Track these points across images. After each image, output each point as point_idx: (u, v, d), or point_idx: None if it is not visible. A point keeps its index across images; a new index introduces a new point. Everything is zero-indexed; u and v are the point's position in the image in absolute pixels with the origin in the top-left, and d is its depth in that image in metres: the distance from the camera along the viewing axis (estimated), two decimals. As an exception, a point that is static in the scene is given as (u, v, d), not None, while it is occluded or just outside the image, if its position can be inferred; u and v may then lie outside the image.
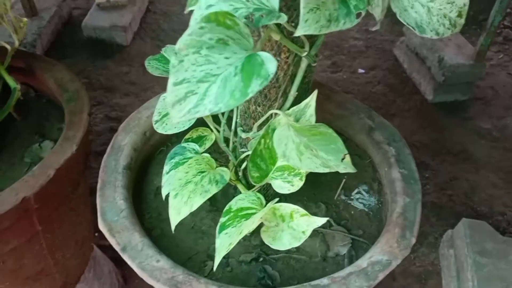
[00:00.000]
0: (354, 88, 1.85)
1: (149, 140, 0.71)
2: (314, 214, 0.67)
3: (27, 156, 0.74)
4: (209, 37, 0.37)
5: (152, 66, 0.70)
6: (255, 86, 0.37)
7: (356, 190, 0.70)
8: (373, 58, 1.98)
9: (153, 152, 0.74)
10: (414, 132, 1.68)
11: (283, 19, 0.42)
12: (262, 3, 0.42)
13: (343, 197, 0.69)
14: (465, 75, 1.72)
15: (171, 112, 0.37)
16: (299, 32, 0.41)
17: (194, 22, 0.38)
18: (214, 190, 0.53)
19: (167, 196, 0.59)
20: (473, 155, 1.62)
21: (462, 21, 0.53)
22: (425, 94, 1.81)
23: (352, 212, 0.67)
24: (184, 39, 0.36)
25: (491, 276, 1.10)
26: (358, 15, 0.44)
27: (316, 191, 0.70)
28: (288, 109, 0.54)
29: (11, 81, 0.72)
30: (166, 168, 0.60)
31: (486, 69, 1.79)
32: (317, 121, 0.55)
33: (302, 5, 0.41)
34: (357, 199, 0.69)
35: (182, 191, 0.53)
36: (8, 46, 0.79)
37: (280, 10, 0.44)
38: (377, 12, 0.47)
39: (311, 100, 0.52)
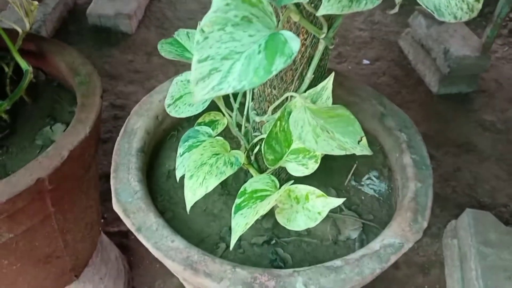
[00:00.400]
0: (359, 79, 1.85)
1: (161, 124, 0.71)
2: (325, 198, 0.67)
3: (38, 139, 0.74)
4: (234, 14, 0.37)
5: (165, 49, 0.70)
6: (279, 64, 0.37)
7: (366, 176, 0.70)
8: (378, 49, 1.98)
9: (164, 137, 0.74)
10: (419, 123, 1.68)
11: (305, -1, 0.42)
12: (283, -17, 0.42)
13: (353, 183, 0.70)
14: (471, 67, 1.72)
15: (195, 89, 0.37)
16: (321, 12, 0.41)
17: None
18: (229, 171, 0.53)
19: (180, 179, 0.60)
20: (477, 146, 1.62)
21: (479, 5, 0.53)
22: (430, 86, 1.81)
23: (363, 197, 0.68)
24: (209, 16, 0.37)
25: (495, 266, 1.11)
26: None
27: (326, 177, 0.71)
28: (304, 92, 0.54)
29: (23, 63, 0.72)
30: (180, 150, 0.60)
31: (491, 62, 1.79)
32: None
33: (323, -16, 0.41)
34: (367, 184, 0.69)
35: (198, 172, 0.53)
36: (19, 29, 0.79)
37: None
38: (396, -4, 0.47)
39: (328, 82, 0.52)
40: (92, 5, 1.83)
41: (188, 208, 0.54)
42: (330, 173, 0.71)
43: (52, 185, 0.62)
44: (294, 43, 0.38)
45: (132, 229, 0.56)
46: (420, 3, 0.51)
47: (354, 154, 0.50)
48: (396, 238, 0.56)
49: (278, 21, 0.44)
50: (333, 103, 0.55)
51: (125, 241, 1.27)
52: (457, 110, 1.75)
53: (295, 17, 0.47)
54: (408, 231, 0.56)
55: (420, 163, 0.64)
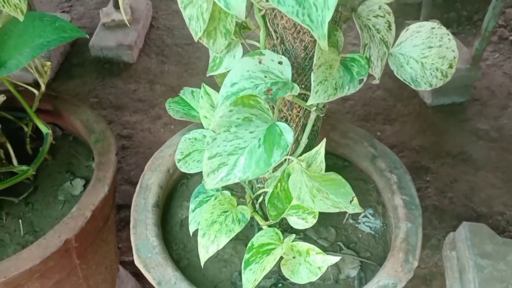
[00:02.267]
0: (355, 95, 1.91)
1: (172, 176, 0.78)
2: (325, 238, 0.74)
3: (60, 194, 0.80)
4: (236, 117, 0.44)
5: (172, 109, 0.77)
6: (277, 156, 0.44)
7: (362, 214, 0.77)
8: (372, 63, 2.04)
9: (175, 186, 0.81)
10: (414, 136, 1.75)
11: (296, 90, 0.48)
12: (278, 77, 0.49)
13: (350, 221, 0.76)
14: (462, 79, 1.78)
15: (206, 180, 0.44)
16: (310, 102, 0.48)
17: (222, 104, 0.45)
18: (237, 229, 0.60)
19: (194, 230, 0.66)
20: (471, 156, 1.68)
21: (453, 70, 0.59)
22: (423, 98, 1.87)
23: (360, 235, 0.74)
24: (217, 120, 0.43)
25: (491, 278, 1.17)
26: (361, 80, 0.51)
27: (326, 216, 0.77)
28: (301, 154, 0.60)
29: (42, 127, 0.79)
30: (191, 206, 0.67)
31: (482, 70, 1.85)
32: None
33: (312, 78, 0.47)
34: (363, 222, 0.76)
35: (209, 230, 0.60)
36: (35, 91, 0.86)
37: (292, 75, 0.51)
38: (377, 72, 0.54)
39: (321, 147, 0.58)
40: (94, 37, 1.90)
41: (202, 263, 0.60)
42: (330, 213, 0.78)
43: (78, 243, 0.69)
44: (288, 135, 0.45)
45: (153, 283, 0.62)
46: (398, 77, 0.57)
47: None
48: (390, 279, 0.62)
49: (275, 106, 0.51)
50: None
51: (140, 271, 1.34)
52: (451, 121, 1.81)
53: (289, 97, 0.54)
54: (401, 271, 0.63)
55: (410, 203, 0.71)
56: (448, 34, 0.55)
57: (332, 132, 0.82)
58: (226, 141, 0.44)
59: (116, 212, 1.52)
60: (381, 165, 0.77)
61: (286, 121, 0.60)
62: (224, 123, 0.43)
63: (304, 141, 0.59)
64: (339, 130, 0.82)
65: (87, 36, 0.71)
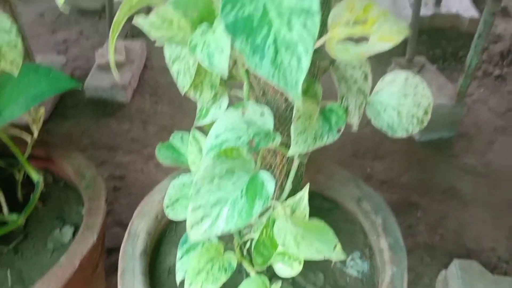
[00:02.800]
0: (344, 131, 1.95)
1: (160, 222, 0.79)
2: (313, 283, 0.74)
3: (49, 242, 0.81)
4: (219, 169, 0.46)
5: (162, 154, 0.78)
6: (258, 207, 0.45)
7: (350, 257, 0.77)
8: (360, 101, 2.09)
9: (164, 231, 0.82)
10: (404, 172, 1.77)
11: (278, 140, 0.51)
12: (260, 128, 0.51)
13: (338, 265, 0.77)
14: (448, 115, 1.83)
15: (190, 232, 0.45)
16: (291, 153, 0.50)
17: (207, 155, 0.47)
18: (224, 278, 0.61)
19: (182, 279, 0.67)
20: (460, 191, 1.70)
21: (428, 117, 0.62)
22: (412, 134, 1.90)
23: (348, 279, 0.75)
24: (201, 173, 0.45)
25: (484, 316, 1.16)
26: (339, 130, 0.53)
27: (314, 261, 0.78)
28: (285, 199, 0.62)
29: (34, 174, 0.80)
30: (179, 253, 0.68)
31: (468, 105, 1.90)
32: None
33: (292, 130, 0.49)
34: (351, 266, 0.76)
35: (195, 279, 0.61)
36: (28, 139, 0.87)
37: (274, 125, 0.53)
38: (355, 121, 0.56)
39: (304, 193, 0.60)
40: (89, 78, 1.94)
41: (190, 311, 0.60)
42: (317, 255, 0.79)
43: (66, 291, 0.69)
44: (269, 185, 0.47)
45: (141, 332, 0.62)
46: (375, 125, 0.60)
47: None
48: (377, 323, 0.62)
49: (258, 156, 0.53)
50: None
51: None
52: (439, 156, 1.84)
53: (272, 146, 0.56)
54: (388, 316, 0.63)
55: (395, 246, 0.72)
56: (422, 83, 0.58)
57: (318, 174, 0.84)
58: (209, 192, 0.45)
59: (106, 256, 1.50)
60: (366, 207, 0.78)
61: (270, 167, 0.62)
62: (208, 175, 0.45)
63: (288, 186, 0.61)
64: (325, 172, 0.84)
65: (80, 88, 0.73)
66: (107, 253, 1.57)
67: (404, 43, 2.18)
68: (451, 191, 1.70)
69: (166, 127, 1.92)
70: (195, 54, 0.45)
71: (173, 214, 0.71)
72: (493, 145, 1.90)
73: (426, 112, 0.60)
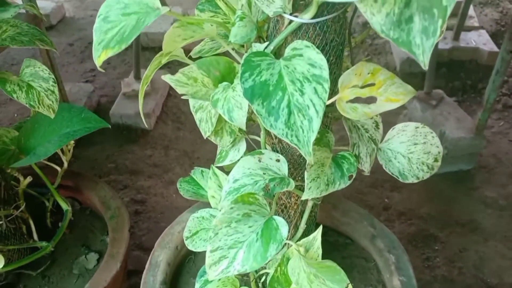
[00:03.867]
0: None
1: (180, 252, 0.82)
2: (327, 319, 0.76)
3: (75, 268, 0.85)
4: (237, 214, 0.49)
5: (183, 188, 0.83)
6: (273, 250, 0.48)
7: (363, 293, 0.79)
8: (379, 130, 2.11)
9: (182, 261, 0.85)
10: (422, 204, 1.77)
11: (292, 185, 0.54)
12: (276, 173, 0.55)
13: (351, 301, 0.78)
14: (467, 147, 1.82)
15: (208, 271, 0.49)
16: (305, 197, 0.53)
17: (225, 199, 0.50)
18: (239, 312, 0.63)
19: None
20: (480, 224, 1.69)
21: (438, 164, 0.64)
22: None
23: (360, 315, 0.76)
24: (219, 217, 0.49)
25: None
26: (350, 177, 0.56)
27: (327, 295, 0.79)
28: (299, 239, 0.65)
29: (63, 204, 0.85)
30: (197, 285, 0.71)
31: (487, 138, 1.89)
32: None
33: (306, 176, 0.53)
34: (364, 302, 0.78)
35: (213, 312, 0.64)
36: (58, 168, 0.93)
37: (289, 169, 0.56)
38: (366, 167, 0.59)
39: (317, 234, 0.63)
40: (114, 106, 2.02)
41: None
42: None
43: (90, 318, 0.73)
44: (284, 229, 0.50)
45: None
46: (387, 171, 0.63)
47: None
48: None
49: (273, 200, 0.56)
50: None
51: None
52: (459, 188, 1.83)
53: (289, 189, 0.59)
54: None
55: (408, 284, 0.73)
56: (431, 133, 0.61)
57: (333, 210, 0.87)
58: (227, 235, 0.49)
59: (126, 278, 1.55)
60: (380, 245, 0.80)
61: (285, 207, 0.65)
62: (226, 219, 0.49)
63: (302, 226, 0.64)
64: (341, 209, 0.87)
65: (109, 126, 0.78)
66: (127, 275, 1.61)
67: (423, 76, 2.20)
68: (471, 224, 1.69)
69: (187, 153, 1.97)
70: (217, 108, 0.50)
71: (192, 246, 0.74)
72: (514, 178, 1.88)
73: (436, 160, 0.63)
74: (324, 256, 0.63)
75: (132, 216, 1.70)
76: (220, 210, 0.49)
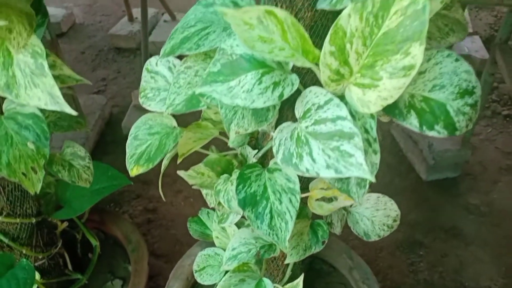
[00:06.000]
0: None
1: (190, 282, 0.99)
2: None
3: (103, 292, 1.02)
4: (234, 280, 0.65)
5: (192, 228, 0.99)
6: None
7: (341, 316, 0.96)
8: (373, 138, 2.25)
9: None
10: (410, 211, 1.92)
11: (278, 251, 0.70)
12: (265, 241, 0.70)
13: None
14: (452, 158, 1.97)
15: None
16: (287, 262, 0.69)
17: (225, 263, 0.66)
18: None
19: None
20: (462, 231, 1.85)
21: (397, 223, 0.80)
22: (419, 173, 2.05)
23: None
24: (221, 284, 0.65)
25: None
26: (323, 242, 0.72)
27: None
28: (286, 283, 0.81)
29: (92, 240, 1.02)
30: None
31: (474, 144, 2.04)
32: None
33: (287, 246, 0.69)
34: (342, 324, 0.95)
35: None
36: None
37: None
38: (337, 231, 0.75)
39: (300, 281, 0.79)
40: (126, 118, 2.17)
41: None
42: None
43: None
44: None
45: None
46: (354, 231, 0.78)
47: None
48: None
49: (262, 265, 0.72)
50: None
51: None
52: (445, 195, 1.99)
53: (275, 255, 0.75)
54: None
55: (377, 311, 0.90)
56: (390, 200, 0.76)
57: (319, 243, 1.02)
58: (227, 298, 0.65)
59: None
60: (356, 276, 0.97)
61: (275, 259, 0.81)
62: (226, 285, 0.65)
63: (288, 273, 0.80)
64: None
65: (132, 183, 0.94)
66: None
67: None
68: (454, 230, 1.85)
69: (194, 163, 2.13)
70: (219, 198, 0.65)
71: (200, 279, 0.91)
72: (497, 185, 2.03)
73: (395, 220, 0.78)
74: (310, 281, 0.79)
75: (145, 225, 1.88)
76: (222, 280, 0.65)
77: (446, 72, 0.44)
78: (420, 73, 0.45)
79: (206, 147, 0.74)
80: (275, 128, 0.57)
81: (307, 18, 0.50)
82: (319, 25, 0.49)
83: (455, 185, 2.03)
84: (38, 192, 0.61)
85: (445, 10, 0.55)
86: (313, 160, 0.43)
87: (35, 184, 0.60)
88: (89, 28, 2.95)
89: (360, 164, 0.41)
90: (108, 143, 2.17)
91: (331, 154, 0.42)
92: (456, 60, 0.44)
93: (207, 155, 0.70)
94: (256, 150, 0.64)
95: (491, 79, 1.67)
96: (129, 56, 2.65)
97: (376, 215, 0.76)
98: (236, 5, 0.55)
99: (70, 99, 2.04)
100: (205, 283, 0.90)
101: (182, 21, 0.57)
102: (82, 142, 2.03)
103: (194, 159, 0.74)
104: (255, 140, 0.68)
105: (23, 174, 0.58)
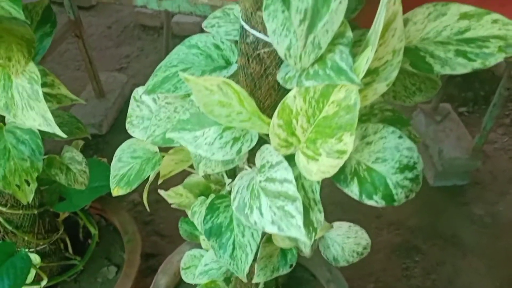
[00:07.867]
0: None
1: (177, 277, 1.07)
2: None
3: (99, 277, 1.11)
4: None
5: (182, 228, 1.05)
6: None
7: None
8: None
9: (179, 284, 1.10)
10: (412, 215, 1.94)
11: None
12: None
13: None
14: (461, 166, 1.95)
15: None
16: (254, 281, 0.74)
17: (197, 277, 0.72)
18: None
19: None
20: (462, 240, 1.85)
21: (367, 250, 0.83)
22: (427, 178, 2.05)
23: None
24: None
25: None
26: (291, 266, 0.76)
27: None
28: (259, 293, 0.87)
29: (92, 228, 1.10)
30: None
31: (488, 153, 2.01)
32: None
33: (256, 266, 0.74)
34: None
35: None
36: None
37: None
38: (307, 253, 0.80)
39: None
40: (143, 98, 2.23)
41: None
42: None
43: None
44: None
45: None
46: (324, 256, 0.82)
47: None
48: None
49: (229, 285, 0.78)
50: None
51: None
52: (450, 202, 1.98)
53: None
54: None
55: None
56: (361, 229, 0.80)
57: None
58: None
59: (144, 260, 1.83)
60: (333, 288, 1.02)
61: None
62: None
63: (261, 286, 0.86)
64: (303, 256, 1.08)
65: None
66: (145, 257, 1.90)
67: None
68: (453, 238, 1.86)
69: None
70: (193, 220, 0.70)
71: (185, 277, 0.98)
72: (505, 197, 2.00)
73: (365, 248, 0.82)
74: None
75: (153, 204, 1.97)
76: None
77: (389, 147, 0.46)
78: (368, 143, 0.48)
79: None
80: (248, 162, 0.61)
81: (275, 74, 0.53)
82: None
83: (462, 193, 2.02)
84: (30, 201, 0.68)
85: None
86: (261, 214, 0.47)
87: (27, 195, 0.67)
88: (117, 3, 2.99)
89: (299, 227, 0.45)
90: (121, 127, 2.25)
91: (276, 212, 0.46)
92: (400, 137, 0.46)
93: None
94: (231, 180, 0.68)
95: (507, 93, 1.63)
96: (153, 35, 2.70)
97: (347, 242, 0.79)
98: (217, 48, 0.59)
99: (92, 76, 2.12)
100: (188, 282, 0.97)
101: (167, 59, 0.61)
102: (101, 119, 2.11)
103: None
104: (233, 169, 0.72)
105: (17, 186, 0.65)
